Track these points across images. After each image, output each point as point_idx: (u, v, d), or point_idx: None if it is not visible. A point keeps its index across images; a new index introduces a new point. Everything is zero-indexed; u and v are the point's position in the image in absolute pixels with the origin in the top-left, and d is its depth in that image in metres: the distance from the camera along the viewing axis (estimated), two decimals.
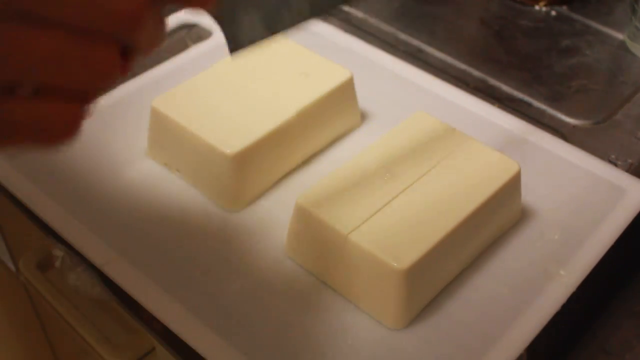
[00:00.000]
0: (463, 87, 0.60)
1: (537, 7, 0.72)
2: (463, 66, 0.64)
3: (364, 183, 0.45)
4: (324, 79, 0.52)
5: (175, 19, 0.66)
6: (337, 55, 0.60)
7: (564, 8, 0.72)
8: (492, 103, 0.58)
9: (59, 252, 0.48)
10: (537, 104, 0.60)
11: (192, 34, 0.66)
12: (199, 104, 0.50)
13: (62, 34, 0.26)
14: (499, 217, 0.46)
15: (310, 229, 0.44)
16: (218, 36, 0.64)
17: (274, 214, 0.49)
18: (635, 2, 0.65)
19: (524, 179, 0.47)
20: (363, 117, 0.56)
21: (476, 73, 0.64)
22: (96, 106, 0.30)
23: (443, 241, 0.42)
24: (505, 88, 0.62)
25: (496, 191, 0.45)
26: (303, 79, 0.52)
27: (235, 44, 0.37)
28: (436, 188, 0.45)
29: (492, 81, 0.63)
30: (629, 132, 0.58)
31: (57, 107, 0.28)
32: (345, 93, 0.53)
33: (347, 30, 0.66)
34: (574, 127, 0.58)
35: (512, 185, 0.46)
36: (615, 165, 0.54)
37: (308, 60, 0.54)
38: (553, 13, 0.71)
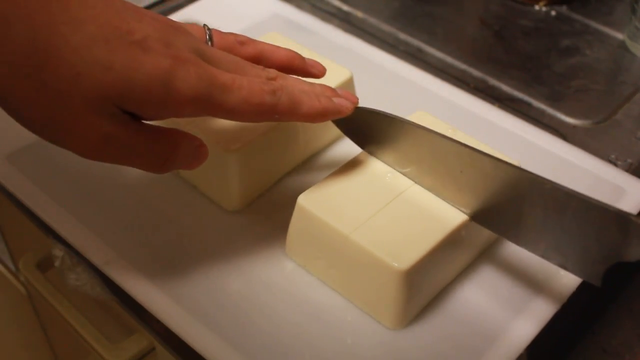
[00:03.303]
0: (463, 87, 0.60)
1: (537, 7, 0.72)
2: (463, 66, 0.64)
3: (365, 183, 0.45)
4: (324, 79, 0.52)
5: (175, 19, 0.66)
6: (337, 55, 0.60)
7: (564, 8, 0.72)
8: (492, 103, 0.58)
9: (59, 252, 0.48)
10: (537, 104, 0.60)
11: None
12: None
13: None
14: None
15: (311, 229, 0.44)
16: None
17: (274, 214, 0.49)
18: (635, 2, 0.65)
19: None
20: None
21: (476, 73, 0.64)
22: None
23: (443, 242, 0.42)
24: (505, 88, 0.62)
25: None
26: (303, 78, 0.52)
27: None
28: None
29: (492, 81, 0.63)
30: (629, 132, 0.58)
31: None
32: None
33: (347, 30, 0.66)
34: (574, 127, 0.58)
35: None
36: (615, 165, 0.54)
37: None
38: (553, 13, 0.71)
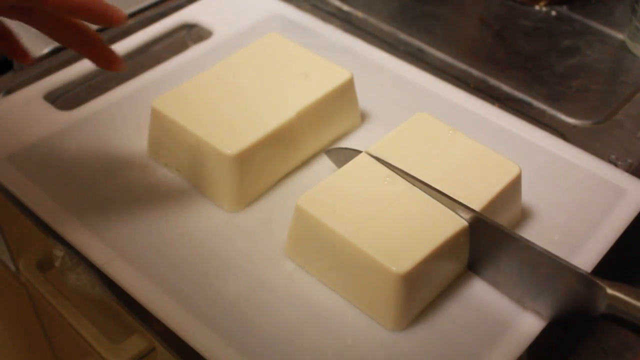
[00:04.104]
0: (463, 87, 0.60)
1: (537, 7, 0.72)
2: (463, 66, 0.64)
3: (364, 185, 0.45)
4: (324, 79, 0.52)
5: (175, 19, 0.66)
6: (337, 55, 0.60)
7: (564, 8, 0.72)
8: (492, 103, 0.58)
9: (59, 252, 0.48)
10: (537, 104, 0.60)
11: (192, 34, 0.66)
12: (199, 104, 0.50)
13: None
14: (499, 220, 0.46)
15: (310, 231, 0.44)
16: (218, 36, 0.64)
17: (274, 214, 0.49)
18: (635, 2, 0.65)
19: (523, 180, 0.47)
20: (363, 117, 0.56)
21: (476, 73, 0.64)
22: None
23: (442, 246, 0.42)
24: (505, 88, 0.62)
25: (497, 194, 0.45)
26: (303, 79, 0.52)
27: None
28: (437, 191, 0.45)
29: (492, 81, 0.63)
30: (629, 132, 0.58)
31: None
32: (345, 93, 0.53)
33: (347, 30, 0.66)
34: (574, 127, 0.58)
35: (513, 188, 0.46)
36: (615, 165, 0.54)
37: (308, 60, 0.54)
38: (553, 13, 0.71)
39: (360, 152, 0.47)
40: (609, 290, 0.39)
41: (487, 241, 0.43)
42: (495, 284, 0.44)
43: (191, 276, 0.45)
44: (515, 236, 0.42)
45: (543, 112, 0.60)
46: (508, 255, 0.43)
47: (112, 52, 0.47)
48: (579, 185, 0.51)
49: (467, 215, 0.43)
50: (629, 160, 0.55)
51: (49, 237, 0.48)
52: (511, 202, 0.47)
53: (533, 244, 0.41)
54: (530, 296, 0.43)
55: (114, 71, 0.47)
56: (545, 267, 0.41)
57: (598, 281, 0.39)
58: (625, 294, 0.39)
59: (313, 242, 0.44)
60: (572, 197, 0.50)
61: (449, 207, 0.44)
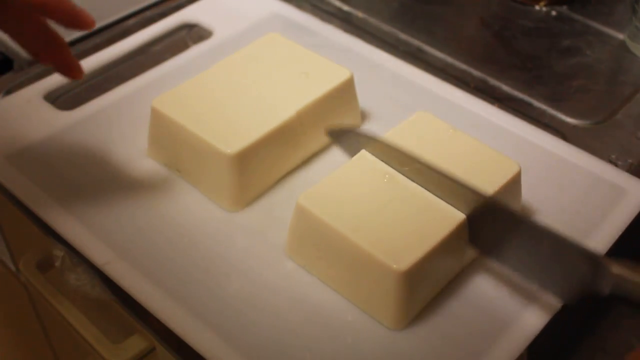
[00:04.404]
0: (463, 87, 0.60)
1: (537, 7, 0.72)
2: (463, 66, 0.64)
3: (365, 183, 0.45)
4: (324, 79, 0.52)
5: (175, 19, 0.66)
6: (337, 55, 0.60)
7: (564, 8, 0.72)
8: (492, 103, 0.58)
9: (59, 252, 0.48)
10: (537, 104, 0.60)
11: (192, 34, 0.66)
12: (199, 104, 0.50)
13: None
14: None
15: (311, 229, 0.44)
16: (218, 36, 0.64)
17: (274, 214, 0.49)
18: (635, 2, 0.65)
19: (523, 179, 0.47)
20: (363, 116, 0.56)
21: (476, 73, 0.64)
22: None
23: (443, 242, 0.42)
24: (505, 88, 0.62)
25: (496, 191, 0.45)
26: (303, 79, 0.52)
27: None
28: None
29: (492, 81, 0.63)
30: (629, 132, 0.58)
31: None
32: (345, 93, 0.53)
33: (347, 30, 0.66)
34: (574, 127, 0.58)
35: (513, 185, 0.46)
36: (616, 165, 0.54)
37: (308, 60, 0.54)
38: (553, 13, 0.71)
39: (369, 136, 0.47)
40: (615, 270, 0.39)
41: (493, 224, 0.43)
42: (498, 259, 0.44)
43: (191, 276, 0.45)
44: (520, 216, 0.42)
45: (543, 112, 0.60)
46: (510, 232, 0.42)
47: (74, 60, 0.47)
48: (579, 185, 0.51)
49: (472, 200, 0.43)
50: (629, 160, 0.55)
51: (49, 237, 0.48)
52: (511, 199, 0.47)
53: (538, 223, 0.41)
54: (536, 273, 0.42)
55: (73, 79, 0.48)
56: (549, 245, 0.41)
57: (603, 260, 0.39)
58: (631, 273, 0.38)
59: (313, 240, 0.44)
60: (572, 197, 0.50)
61: (449, 198, 0.43)
